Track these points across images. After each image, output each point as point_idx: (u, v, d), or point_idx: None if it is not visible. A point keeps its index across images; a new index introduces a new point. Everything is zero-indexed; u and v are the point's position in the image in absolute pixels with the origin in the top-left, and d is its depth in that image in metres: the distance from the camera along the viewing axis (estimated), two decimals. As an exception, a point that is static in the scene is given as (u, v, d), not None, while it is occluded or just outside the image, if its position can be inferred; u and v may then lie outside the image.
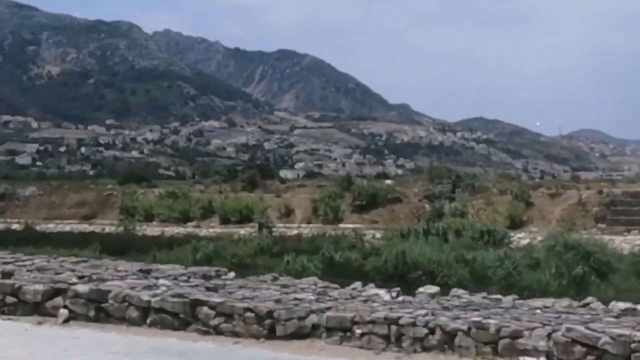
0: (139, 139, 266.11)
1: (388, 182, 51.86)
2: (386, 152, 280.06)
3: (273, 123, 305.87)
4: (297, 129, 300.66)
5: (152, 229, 45.51)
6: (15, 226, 49.51)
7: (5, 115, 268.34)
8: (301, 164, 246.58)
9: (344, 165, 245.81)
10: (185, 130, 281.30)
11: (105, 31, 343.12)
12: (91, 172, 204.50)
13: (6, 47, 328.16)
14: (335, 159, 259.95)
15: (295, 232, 39.64)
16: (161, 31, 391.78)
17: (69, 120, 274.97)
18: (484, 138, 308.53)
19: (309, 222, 44.77)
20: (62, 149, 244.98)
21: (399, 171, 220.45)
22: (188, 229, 45.16)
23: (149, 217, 48.36)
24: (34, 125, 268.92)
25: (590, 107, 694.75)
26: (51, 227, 49.65)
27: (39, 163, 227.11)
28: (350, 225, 41.07)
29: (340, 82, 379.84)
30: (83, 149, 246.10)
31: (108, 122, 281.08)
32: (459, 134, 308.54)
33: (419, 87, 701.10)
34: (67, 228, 49.27)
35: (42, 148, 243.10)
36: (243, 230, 42.31)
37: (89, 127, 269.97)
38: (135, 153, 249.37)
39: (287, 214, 46.72)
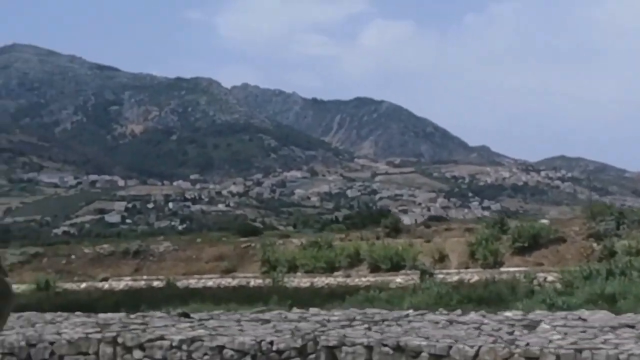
0: (224, 192, 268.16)
1: (544, 221, 50.53)
2: (470, 194, 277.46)
3: (354, 170, 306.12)
4: (379, 175, 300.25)
5: (300, 280, 45.02)
6: (155, 283, 49.45)
7: (92, 174, 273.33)
8: (384, 210, 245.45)
9: (429, 209, 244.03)
10: (268, 182, 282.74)
11: (186, 88, 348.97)
12: (180, 227, 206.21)
13: (90, 108, 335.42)
14: (419, 204, 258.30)
15: (456, 277, 38.67)
16: (239, 85, 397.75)
17: (154, 177, 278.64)
18: (568, 176, 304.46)
19: (467, 267, 43.49)
20: (149, 206, 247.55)
21: (485, 213, 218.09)
22: (338, 278, 44.48)
23: (292, 268, 47.71)
24: (121, 183, 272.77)
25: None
26: (192, 282, 49.44)
27: (128, 220, 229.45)
28: (513, 269, 39.92)
29: (419, 126, 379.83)
30: (170, 205, 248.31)
31: (192, 177, 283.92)
32: (542, 174, 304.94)
33: (497, 128, 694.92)
34: (210, 283, 49.02)
35: (130, 205, 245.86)
36: (399, 278, 41.57)
37: (174, 183, 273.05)
38: (221, 206, 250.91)
39: (441, 259, 45.46)
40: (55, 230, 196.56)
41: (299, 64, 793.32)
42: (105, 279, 54.24)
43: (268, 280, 44.29)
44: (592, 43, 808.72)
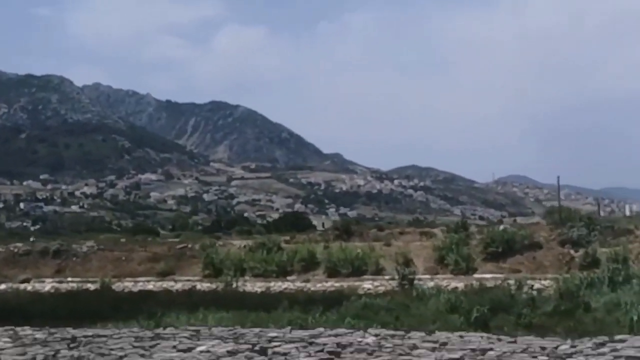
0: (77, 193, 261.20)
1: (505, 226, 49.51)
2: (326, 201, 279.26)
3: (210, 174, 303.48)
4: (235, 179, 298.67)
5: (254, 285, 43.22)
6: (88, 286, 46.79)
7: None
8: (244, 215, 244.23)
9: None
10: (122, 184, 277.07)
11: (36, 85, 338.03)
12: (32, 228, 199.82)
13: None
14: (277, 209, 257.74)
15: (431, 284, 37.54)
16: (90, 85, 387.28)
17: (2, 176, 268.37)
18: (421, 185, 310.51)
19: (436, 273, 42.31)
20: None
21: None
22: (296, 283, 42.92)
23: (237, 271, 45.57)
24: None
25: (516, 153, 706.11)
26: (129, 285, 47.09)
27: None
28: (488, 275, 39.12)
29: (274, 132, 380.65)
30: (22, 205, 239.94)
31: (42, 177, 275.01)
32: (396, 182, 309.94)
33: (350, 136, 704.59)
34: (150, 286, 46.71)
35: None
36: (367, 284, 40.43)
37: (24, 183, 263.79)
38: (75, 208, 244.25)
39: (406, 263, 43.15)
40: None
41: (153, 65, 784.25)
42: (26, 280, 51.23)
43: (217, 284, 42.39)
44: (442, 55, 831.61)
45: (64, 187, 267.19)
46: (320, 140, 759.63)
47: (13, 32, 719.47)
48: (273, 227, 75.42)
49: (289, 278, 44.62)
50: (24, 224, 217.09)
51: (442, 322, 22.88)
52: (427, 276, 40.93)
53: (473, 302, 27.25)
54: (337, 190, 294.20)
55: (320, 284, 41.95)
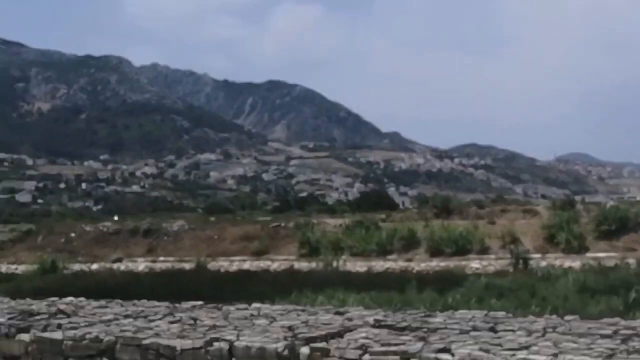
0: (138, 173, 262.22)
1: (615, 203, 47.67)
2: (385, 180, 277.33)
3: (268, 154, 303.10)
4: (293, 159, 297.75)
5: (354, 264, 41.67)
6: (183, 265, 45.78)
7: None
8: (304, 194, 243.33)
9: (346, 194, 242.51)
10: (181, 164, 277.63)
11: (95, 66, 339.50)
12: (94, 208, 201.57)
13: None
14: (337, 189, 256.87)
15: (543, 263, 35.78)
16: (148, 65, 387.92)
17: (62, 156, 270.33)
18: (482, 164, 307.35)
19: (546, 252, 40.50)
20: (61, 186, 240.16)
21: (405, 199, 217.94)
22: (399, 262, 41.32)
23: (338, 251, 44.16)
24: (29, 162, 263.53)
25: (578, 130, 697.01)
26: (225, 265, 45.95)
27: (40, 200, 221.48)
28: (602, 254, 37.40)
29: (332, 111, 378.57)
30: (84, 185, 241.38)
31: (102, 157, 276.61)
32: (456, 160, 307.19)
33: (408, 114, 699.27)
34: (246, 265, 45.58)
35: (41, 185, 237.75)
36: (474, 263, 38.75)
37: (85, 163, 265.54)
38: (136, 188, 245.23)
39: (513, 242, 41.54)
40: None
41: (209, 45, 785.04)
42: (118, 260, 50.30)
43: (316, 264, 40.95)
44: (502, 31, 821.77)
45: (124, 167, 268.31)
46: (378, 118, 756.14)
47: (71, 13, 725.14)
48: (355, 205, 73.68)
49: (389, 257, 43.04)
50: (86, 204, 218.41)
51: (599, 305, 21.36)
52: (538, 255, 39.17)
53: (600, 283, 25.85)
54: (396, 169, 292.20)
55: (424, 263, 40.38)
